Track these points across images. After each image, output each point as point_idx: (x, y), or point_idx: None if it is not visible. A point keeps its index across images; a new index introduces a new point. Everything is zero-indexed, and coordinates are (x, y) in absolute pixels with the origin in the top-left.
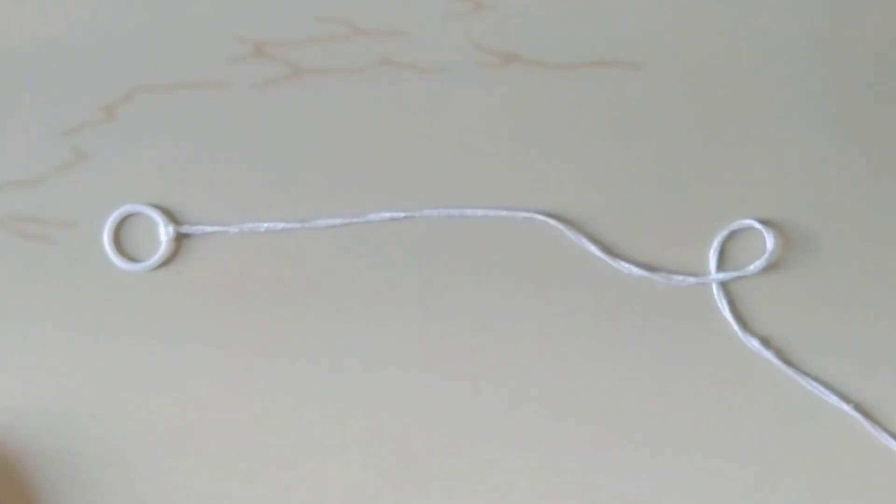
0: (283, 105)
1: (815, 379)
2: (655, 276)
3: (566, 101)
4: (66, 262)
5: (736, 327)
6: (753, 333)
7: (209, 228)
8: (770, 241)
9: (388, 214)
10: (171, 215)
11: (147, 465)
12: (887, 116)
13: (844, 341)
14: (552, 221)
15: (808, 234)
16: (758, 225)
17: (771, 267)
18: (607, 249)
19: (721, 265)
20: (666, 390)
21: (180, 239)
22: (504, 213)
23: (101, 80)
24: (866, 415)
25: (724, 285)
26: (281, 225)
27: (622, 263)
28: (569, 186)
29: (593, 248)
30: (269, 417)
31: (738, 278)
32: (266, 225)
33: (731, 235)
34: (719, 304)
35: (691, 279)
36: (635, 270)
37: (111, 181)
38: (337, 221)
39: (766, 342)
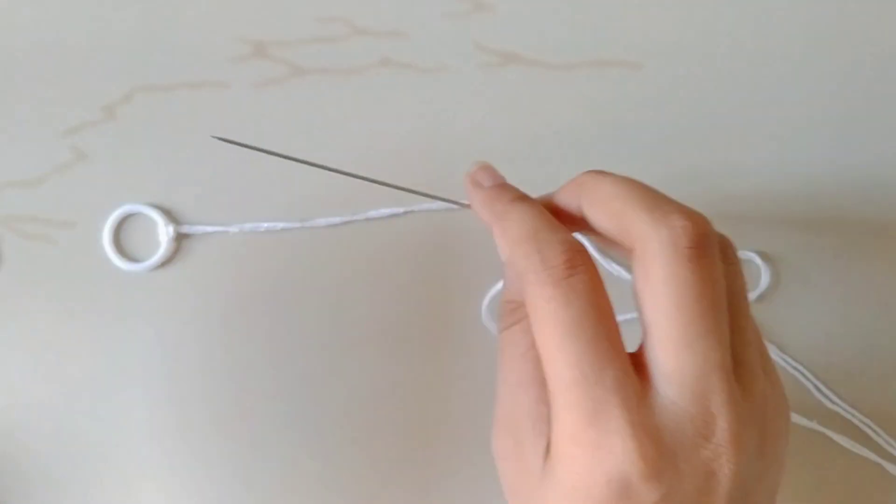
0: (283, 105)
1: None
2: None
3: (566, 100)
4: (66, 262)
5: None
6: None
7: (209, 228)
8: (765, 275)
9: (387, 211)
10: (171, 215)
11: (146, 464)
12: (887, 112)
13: None
14: None
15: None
16: (758, 259)
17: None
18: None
19: None
20: None
21: (180, 239)
22: None
23: (101, 80)
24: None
25: None
26: (281, 225)
27: (613, 266)
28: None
29: (586, 243)
30: (268, 416)
31: None
32: (266, 225)
33: None
34: None
35: None
36: (625, 275)
37: (111, 181)
38: (337, 220)
39: None
